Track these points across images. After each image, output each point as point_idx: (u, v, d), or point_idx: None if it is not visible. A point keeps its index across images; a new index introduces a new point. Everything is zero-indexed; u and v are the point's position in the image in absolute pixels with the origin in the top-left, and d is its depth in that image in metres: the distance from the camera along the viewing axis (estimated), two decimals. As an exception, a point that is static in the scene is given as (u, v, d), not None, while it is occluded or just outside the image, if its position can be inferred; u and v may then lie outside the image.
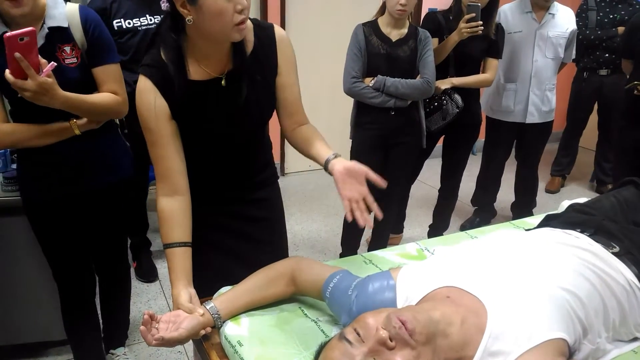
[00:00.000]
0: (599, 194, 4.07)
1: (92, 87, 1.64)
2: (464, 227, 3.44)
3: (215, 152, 1.45)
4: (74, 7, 1.58)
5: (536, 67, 3.02)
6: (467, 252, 1.23)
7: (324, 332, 1.26)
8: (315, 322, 1.29)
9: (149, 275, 2.82)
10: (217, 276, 1.47)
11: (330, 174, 1.32)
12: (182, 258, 1.32)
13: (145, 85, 1.30)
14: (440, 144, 3.00)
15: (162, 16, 1.29)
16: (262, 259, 1.41)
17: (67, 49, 1.56)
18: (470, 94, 2.75)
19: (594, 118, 4.01)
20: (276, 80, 1.42)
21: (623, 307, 1.17)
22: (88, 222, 1.80)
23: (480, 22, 2.47)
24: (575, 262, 1.16)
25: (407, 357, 0.92)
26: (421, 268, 1.22)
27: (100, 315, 2.05)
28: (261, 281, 1.32)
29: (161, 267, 2.90)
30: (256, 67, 1.37)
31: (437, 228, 3.11)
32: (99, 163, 1.74)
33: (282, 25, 3.90)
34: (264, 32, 1.38)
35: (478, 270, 1.14)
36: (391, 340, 0.93)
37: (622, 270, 1.21)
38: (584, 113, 3.97)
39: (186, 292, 1.27)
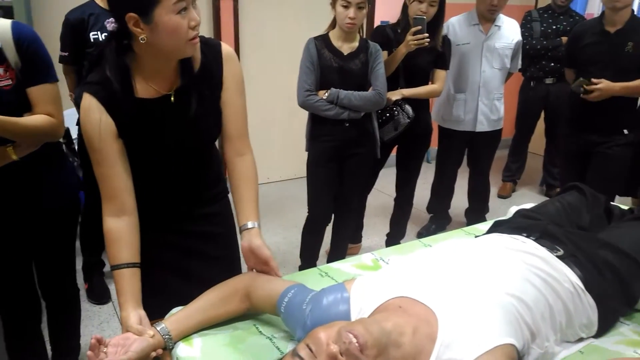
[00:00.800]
0: (548, 198, 4.25)
1: (30, 108, 1.57)
2: (420, 234, 3.49)
3: (164, 169, 1.42)
4: (5, 25, 1.49)
5: (484, 78, 3.11)
6: (418, 262, 1.25)
7: (279, 348, 1.24)
8: (270, 339, 1.28)
9: (101, 297, 2.72)
10: (171, 298, 1.43)
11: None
12: (131, 279, 1.29)
13: (90, 104, 1.26)
14: (394, 153, 3.04)
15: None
16: (216, 276, 1.38)
17: (0, 70, 1.49)
18: (421, 105, 2.81)
19: (541, 125, 4.16)
20: (220, 94, 1.41)
21: (568, 309, 1.21)
22: (33, 246, 1.73)
23: (427, 35, 2.54)
24: (522, 267, 1.20)
25: None
26: (374, 279, 1.22)
27: (49, 341, 1.97)
28: (214, 299, 1.30)
29: (114, 288, 2.81)
30: (204, 83, 1.37)
31: (394, 236, 3.15)
32: (44, 187, 1.68)
33: (236, 39, 3.89)
34: (211, 49, 1.38)
35: (429, 280, 1.15)
36: (342, 355, 0.93)
37: (566, 273, 1.25)
38: (531, 120, 4.11)
39: (135, 314, 1.24)
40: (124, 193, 1.32)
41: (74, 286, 1.96)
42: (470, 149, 3.37)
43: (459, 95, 3.16)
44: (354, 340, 0.94)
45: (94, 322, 2.54)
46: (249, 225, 1.40)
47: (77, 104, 1.30)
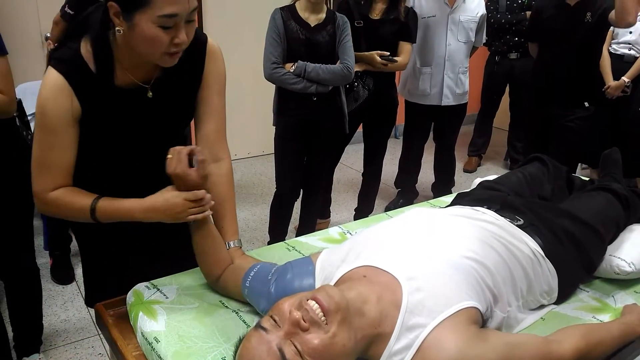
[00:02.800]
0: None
1: None
2: (388, 209, 3.52)
3: (124, 158, 1.35)
4: None
5: (449, 51, 3.11)
6: (381, 231, 1.25)
7: (245, 322, 1.24)
8: (237, 312, 1.27)
9: (64, 276, 2.64)
10: (139, 275, 1.40)
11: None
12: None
13: (57, 84, 1.17)
14: (361, 129, 3.04)
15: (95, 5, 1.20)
16: (185, 255, 1.36)
17: None
18: (385, 78, 2.80)
19: (506, 100, 4.21)
20: (198, 92, 1.35)
21: (529, 275, 1.23)
22: None
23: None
24: (483, 233, 1.22)
25: (322, 338, 0.92)
26: (339, 250, 1.22)
27: (9, 322, 1.92)
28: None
29: (78, 267, 2.75)
30: (183, 77, 1.30)
31: (362, 211, 3.16)
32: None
33: (200, 10, 3.78)
34: (196, 43, 1.27)
35: (392, 248, 1.16)
36: (305, 322, 0.93)
37: (526, 241, 1.28)
38: (496, 95, 4.16)
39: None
40: (67, 178, 1.25)
41: (32, 264, 1.91)
42: (436, 123, 3.40)
43: (424, 69, 3.16)
44: (317, 306, 0.94)
45: (58, 301, 2.48)
46: (232, 245, 1.34)
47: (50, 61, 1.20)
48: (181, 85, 1.32)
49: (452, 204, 1.53)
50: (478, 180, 1.86)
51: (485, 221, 1.27)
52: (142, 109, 1.28)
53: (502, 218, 1.31)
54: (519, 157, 4.28)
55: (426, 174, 3.73)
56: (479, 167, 4.44)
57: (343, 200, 3.67)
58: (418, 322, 1.00)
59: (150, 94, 1.27)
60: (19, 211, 1.75)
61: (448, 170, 3.55)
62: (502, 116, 4.39)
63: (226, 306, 1.30)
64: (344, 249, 1.21)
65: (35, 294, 1.97)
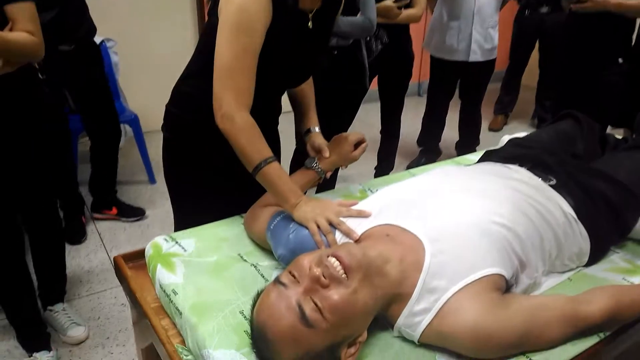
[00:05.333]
0: (539, 131, 4.21)
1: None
2: (409, 167, 3.46)
3: (272, 89, 1.37)
4: None
5: (479, 4, 2.96)
6: (406, 189, 1.21)
7: (263, 276, 1.22)
8: (255, 266, 1.25)
9: (75, 236, 2.61)
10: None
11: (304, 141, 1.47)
12: (282, 170, 1.25)
13: None
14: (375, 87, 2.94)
15: None
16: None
17: None
18: (399, 31, 2.68)
19: (535, 56, 4.05)
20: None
21: (559, 239, 1.18)
22: (12, 174, 1.67)
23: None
24: (514, 196, 1.16)
25: (343, 294, 0.90)
26: (362, 206, 1.19)
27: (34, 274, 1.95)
28: None
29: (103, 222, 2.79)
30: (334, 10, 1.35)
31: (382, 169, 3.11)
32: (19, 110, 1.60)
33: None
34: None
35: (417, 208, 1.11)
36: (325, 278, 0.90)
37: (559, 203, 1.22)
38: (525, 51, 4.00)
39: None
40: (251, 95, 1.23)
41: (55, 213, 1.92)
42: (462, 80, 3.28)
43: (452, 23, 3.02)
44: (337, 263, 0.92)
45: (81, 253, 2.52)
46: (316, 129, 1.47)
47: None
48: (331, 19, 1.34)
49: (480, 161, 1.47)
50: (506, 138, 1.78)
51: (518, 180, 1.22)
52: (302, 38, 1.29)
53: (536, 177, 1.25)
54: (547, 116, 4.14)
55: (450, 133, 3.64)
56: (505, 126, 4.33)
57: (363, 158, 3.59)
58: (439, 285, 0.97)
59: (311, 24, 1.27)
60: (38, 163, 1.74)
61: (473, 129, 3.46)
62: (531, 73, 4.23)
63: (245, 260, 1.28)
64: (366, 205, 1.18)
65: (58, 245, 1.99)
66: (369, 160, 3.54)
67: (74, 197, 2.67)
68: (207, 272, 1.22)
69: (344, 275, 0.91)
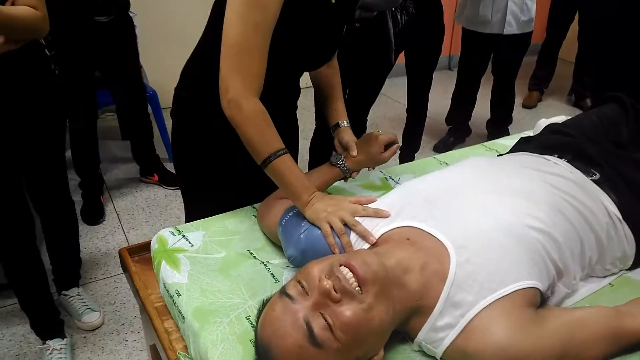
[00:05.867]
0: (576, 108, 3.98)
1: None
2: (437, 148, 3.31)
3: (287, 65, 1.24)
4: None
5: (516, -29, 2.76)
6: (431, 184, 1.08)
7: (274, 275, 1.13)
8: (265, 264, 1.17)
9: (93, 219, 2.58)
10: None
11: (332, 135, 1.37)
12: (294, 163, 1.14)
13: None
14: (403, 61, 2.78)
15: None
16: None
17: None
18: (429, 1, 2.49)
19: (574, 28, 3.79)
20: None
21: (602, 243, 1.05)
22: (21, 156, 1.61)
23: None
24: (553, 194, 1.03)
25: (357, 311, 0.80)
26: (379, 204, 1.08)
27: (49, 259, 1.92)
28: None
29: (121, 201, 2.74)
30: None
31: (407, 150, 2.97)
32: (27, 91, 1.54)
33: None
34: None
35: (442, 208, 0.99)
36: (336, 292, 0.80)
37: (603, 201, 1.08)
38: (564, 23, 3.75)
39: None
40: (263, 73, 1.11)
41: (66, 195, 1.86)
42: (496, 54, 3.08)
43: (486, -7, 2.83)
44: (350, 274, 0.82)
45: (99, 234, 2.49)
46: (345, 124, 1.37)
47: None
48: None
49: (514, 149, 1.33)
50: (543, 122, 1.64)
51: (557, 175, 1.08)
52: (325, 13, 1.17)
53: (577, 171, 1.12)
54: (585, 93, 3.92)
55: (481, 110, 3.46)
56: (540, 103, 4.10)
57: (389, 136, 3.47)
58: (465, 299, 0.86)
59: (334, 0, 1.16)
60: (51, 142, 1.68)
61: (506, 106, 3.28)
62: (569, 47, 3.97)
63: (254, 256, 1.20)
64: (386, 202, 1.06)
65: (71, 227, 1.95)
66: (399, 140, 3.41)
67: (93, 176, 2.63)
68: (213, 271, 1.14)
69: (357, 289, 0.81)
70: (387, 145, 1.30)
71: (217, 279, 1.11)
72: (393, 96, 4.02)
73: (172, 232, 1.26)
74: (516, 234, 0.93)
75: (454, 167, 1.16)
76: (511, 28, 2.86)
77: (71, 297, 1.98)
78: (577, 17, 3.70)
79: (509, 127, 3.37)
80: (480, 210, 0.97)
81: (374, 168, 1.37)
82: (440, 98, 3.62)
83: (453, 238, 0.92)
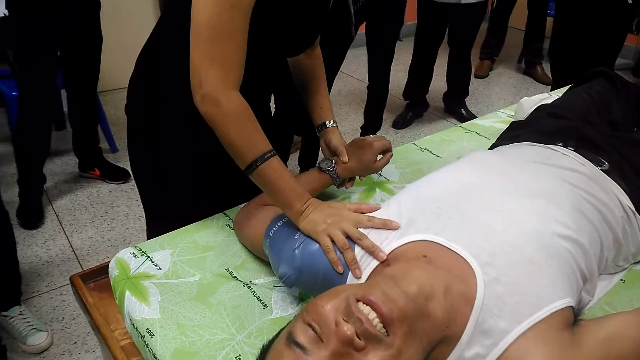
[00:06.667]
0: (527, 76, 3.98)
1: None
2: (396, 124, 3.22)
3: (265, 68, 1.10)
4: None
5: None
6: (440, 188, 0.95)
7: (260, 299, 0.98)
8: (249, 286, 1.01)
9: (31, 220, 2.31)
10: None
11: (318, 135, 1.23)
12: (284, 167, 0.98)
13: None
14: (362, 31, 2.62)
15: None
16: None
17: None
18: None
19: (523, -5, 3.75)
20: None
21: (618, 240, 0.97)
22: None
23: None
24: (573, 193, 0.93)
25: (385, 359, 0.67)
26: (385, 212, 0.93)
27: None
28: None
29: (60, 200, 2.47)
30: None
31: (369, 129, 2.84)
32: None
33: None
34: None
35: (459, 216, 0.86)
36: (360, 338, 0.66)
37: (616, 193, 0.99)
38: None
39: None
40: (243, 61, 0.94)
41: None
42: (452, 24, 2.98)
43: (443, -39, 2.70)
44: (373, 314, 0.68)
45: (38, 240, 2.23)
46: (332, 124, 1.22)
47: None
48: None
49: (510, 137, 1.22)
50: (525, 101, 1.54)
51: (572, 170, 0.98)
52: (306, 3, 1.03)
53: (588, 162, 1.02)
54: (535, 60, 3.92)
55: (437, 83, 3.37)
56: (491, 72, 4.07)
57: (346, 114, 3.34)
58: (497, 325, 0.75)
59: None
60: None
61: (463, 78, 3.21)
62: (518, 14, 3.93)
63: (234, 276, 1.04)
64: (392, 211, 0.92)
65: (6, 241, 1.71)
66: (353, 117, 3.28)
67: (37, 171, 2.35)
68: (189, 300, 0.97)
69: (383, 330, 0.68)
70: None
71: (195, 310, 0.95)
72: (346, 70, 3.86)
73: (133, 254, 1.08)
74: (546, 246, 0.82)
75: (461, 164, 1.04)
76: (469, -4, 2.76)
77: (12, 317, 1.75)
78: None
79: (465, 100, 3.31)
80: (503, 217, 0.85)
81: (364, 177, 1.22)
82: (394, 72, 3.49)
83: (476, 253, 0.80)
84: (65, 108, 2.64)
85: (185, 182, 1.21)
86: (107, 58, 2.42)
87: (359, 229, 0.90)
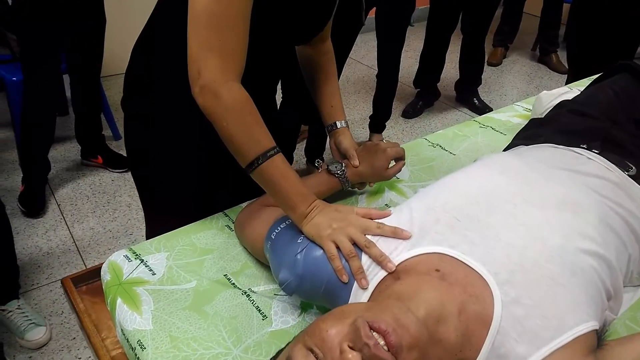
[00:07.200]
0: (542, 64, 3.86)
1: None
2: (406, 113, 3.13)
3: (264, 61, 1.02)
4: None
5: None
6: (458, 195, 0.87)
7: (259, 309, 0.92)
8: (247, 294, 0.95)
9: (34, 208, 2.25)
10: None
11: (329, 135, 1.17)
12: (288, 165, 0.92)
13: None
14: (372, 15, 2.52)
15: None
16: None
17: None
18: None
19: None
20: None
21: None
22: None
23: None
24: (598, 203, 0.85)
25: None
26: (397, 219, 0.86)
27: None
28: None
29: (61, 189, 2.43)
30: None
31: (378, 119, 2.76)
32: None
33: None
34: None
35: (477, 227, 0.79)
36: None
37: (644, 200, 0.92)
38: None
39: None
40: (245, 49, 0.88)
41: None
42: (466, 10, 2.87)
43: (458, -56, 2.59)
44: (382, 341, 0.62)
45: (39, 230, 2.18)
46: (343, 124, 1.16)
47: None
48: None
49: (530, 137, 1.14)
50: (544, 95, 1.46)
51: (598, 177, 0.90)
52: None
53: (614, 167, 0.94)
54: (551, 48, 3.80)
55: (449, 71, 3.27)
56: (505, 60, 3.96)
57: (354, 102, 3.25)
58: (515, 350, 0.68)
59: None
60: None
61: (477, 65, 3.10)
62: (533, 0, 3.81)
63: (233, 283, 0.98)
64: (404, 218, 0.85)
65: (3, 233, 1.66)
66: (361, 105, 3.20)
67: (43, 157, 2.30)
68: (183, 309, 0.91)
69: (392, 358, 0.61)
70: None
71: (190, 321, 0.89)
72: (354, 56, 3.77)
73: (127, 257, 1.02)
74: (570, 263, 0.75)
75: (479, 168, 0.96)
76: (484, -18, 2.65)
77: (10, 311, 1.71)
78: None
79: (478, 89, 3.21)
80: (525, 231, 0.78)
81: (374, 183, 1.16)
82: (404, 58, 3.40)
83: (495, 270, 0.74)
84: (68, 93, 2.59)
85: (183, 178, 1.15)
86: (110, 42, 2.36)
87: (367, 235, 0.84)
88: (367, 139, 2.82)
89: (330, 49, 1.19)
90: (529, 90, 3.52)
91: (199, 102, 0.87)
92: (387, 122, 2.77)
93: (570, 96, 1.34)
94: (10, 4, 2.25)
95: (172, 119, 1.07)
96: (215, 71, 0.85)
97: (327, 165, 1.09)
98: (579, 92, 1.37)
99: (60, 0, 2.01)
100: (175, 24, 0.92)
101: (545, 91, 1.48)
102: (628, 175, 0.96)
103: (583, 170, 0.92)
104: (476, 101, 3.18)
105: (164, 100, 1.06)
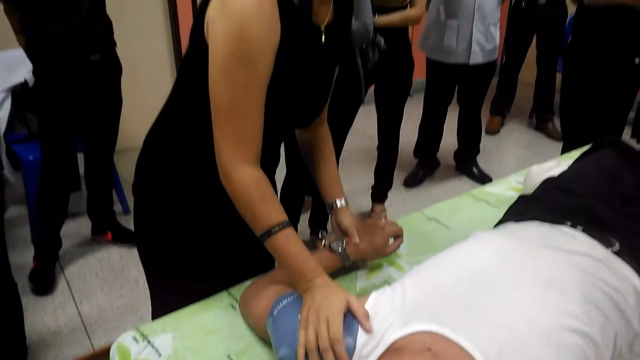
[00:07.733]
0: (539, 132, 3.97)
1: None
2: (407, 182, 3.21)
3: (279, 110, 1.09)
4: None
5: (479, 0, 2.70)
6: (449, 274, 0.92)
7: None
8: None
9: (44, 286, 2.29)
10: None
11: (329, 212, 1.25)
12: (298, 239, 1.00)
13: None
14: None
15: None
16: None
17: None
18: (398, 35, 2.39)
19: (533, 51, 3.80)
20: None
21: (633, 328, 0.92)
22: None
23: None
24: (582, 281, 0.89)
25: None
26: (390, 296, 0.90)
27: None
28: None
29: (71, 265, 2.48)
30: (346, 25, 1.13)
31: (380, 189, 2.83)
32: None
33: None
34: None
35: (468, 306, 0.83)
36: None
37: (629, 278, 0.95)
38: (522, 47, 3.75)
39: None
40: (259, 135, 0.98)
41: (7, 280, 1.62)
42: (461, 84, 3.02)
43: (450, 22, 2.75)
44: None
45: (47, 308, 2.21)
46: (342, 203, 1.23)
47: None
48: (345, 31, 1.13)
49: (517, 212, 1.20)
50: (535, 170, 1.53)
51: (580, 254, 0.95)
52: (315, 57, 1.06)
53: (598, 244, 0.99)
54: (547, 116, 3.92)
55: (448, 140, 3.38)
56: (502, 127, 4.08)
57: (356, 172, 3.34)
58: None
59: (324, 38, 1.04)
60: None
61: (474, 135, 3.22)
62: (528, 69, 3.97)
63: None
64: (397, 296, 0.90)
65: (15, 316, 1.69)
66: (363, 175, 3.28)
67: (55, 234, 2.37)
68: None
69: None
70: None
71: None
72: (356, 128, 3.89)
73: (135, 338, 1.06)
74: (555, 342, 0.78)
75: (470, 247, 1.01)
76: (477, 57, 2.80)
77: (17, 393, 1.72)
78: (534, 41, 3.72)
79: (477, 158, 3.30)
80: (512, 310, 0.82)
81: (373, 260, 1.22)
82: (404, 129, 3.50)
83: (484, 349, 0.77)
84: (81, 169, 2.69)
85: (191, 254, 1.20)
86: (122, 117, 2.46)
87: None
88: (370, 209, 2.88)
89: (328, 133, 1.27)
90: (527, 157, 3.61)
91: (223, 185, 0.99)
92: (389, 191, 2.84)
93: (558, 171, 1.40)
94: (30, 85, 2.40)
95: (191, 200, 1.14)
96: (229, 156, 0.96)
97: (330, 243, 1.15)
98: (568, 167, 1.43)
99: (79, 81, 2.12)
100: (191, 113, 1.03)
101: (535, 165, 1.56)
102: (612, 251, 1.00)
103: (568, 248, 0.96)
104: (475, 170, 3.26)
105: (187, 180, 1.13)
